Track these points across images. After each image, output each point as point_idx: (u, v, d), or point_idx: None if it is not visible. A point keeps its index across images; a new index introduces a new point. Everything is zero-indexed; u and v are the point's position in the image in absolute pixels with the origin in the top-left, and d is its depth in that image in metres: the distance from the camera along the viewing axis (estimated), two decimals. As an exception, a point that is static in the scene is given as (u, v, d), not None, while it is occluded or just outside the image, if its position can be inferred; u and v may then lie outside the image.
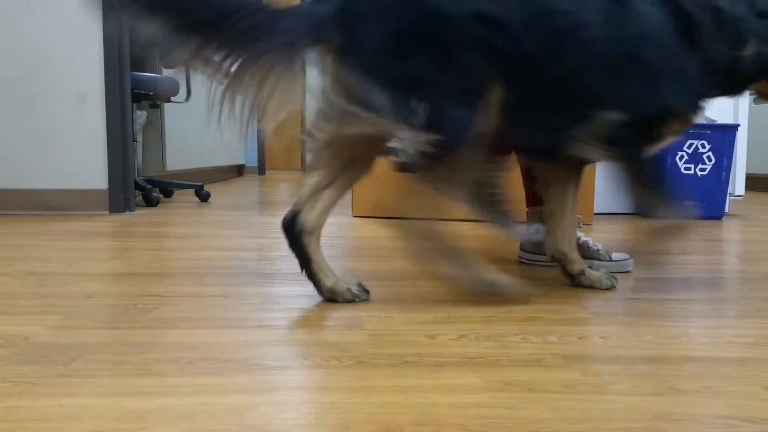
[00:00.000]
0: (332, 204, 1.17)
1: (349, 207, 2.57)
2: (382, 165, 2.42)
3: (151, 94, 3.03)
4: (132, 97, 2.74)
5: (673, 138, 1.21)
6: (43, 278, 1.34)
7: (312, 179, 1.16)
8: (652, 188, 1.21)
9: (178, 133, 3.96)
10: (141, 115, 3.35)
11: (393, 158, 1.22)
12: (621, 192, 1.24)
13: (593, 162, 1.39)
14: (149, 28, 0.99)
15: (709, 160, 2.69)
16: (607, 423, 0.68)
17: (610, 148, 1.17)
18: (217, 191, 3.95)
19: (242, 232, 2.11)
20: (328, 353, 0.89)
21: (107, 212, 2.55)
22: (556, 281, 1.36)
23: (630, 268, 1.48)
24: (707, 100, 1.23)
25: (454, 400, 0.73)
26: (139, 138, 3.45)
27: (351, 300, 1.16)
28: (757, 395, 0.76)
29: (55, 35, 2.49)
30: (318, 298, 1.19)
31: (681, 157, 2.67)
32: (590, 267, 1.36)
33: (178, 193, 3.64)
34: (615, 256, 1.49)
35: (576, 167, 1.32)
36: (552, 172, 1.33)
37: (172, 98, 3.21)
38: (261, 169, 6.49)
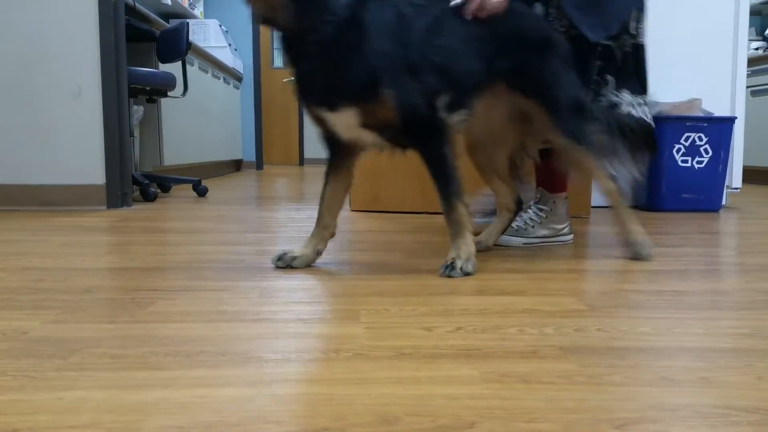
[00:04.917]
0: None
1: (346, 201, 2.57)
2: (379, 160, 2.42)
3: (148, 88, 3.02)
4: (129, 91, 2.73)
5: None
6: (40, 273, 1.34)
7: None
8: None
9: (176, 127, 3.95)
10: (138, 110, 3.35)
11: None
12: None
13: None
14: None
15: (706, 153, 2.69)
16: (602, 413, 0.68)
17: None
18: (214, 186, 3.95)
19: (240, 226, 2.11)
20: (325, 346, 0.89)
21: (105, 207, 2.55)
22: (554, 273, 1.37)
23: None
24: None
25: (450, 392, 0.73)
26: (136, 133, 3.45)
27: None
28: (751, 385, 0.77)
29: (51, 30, 2.48)
30: (315, 292, 1.20)
31: (678, 150, 2.67)
32: None
33: (175, 188, 3.64)
34: None
35: None
36: None
37: (169, 93, 3.20)
38: (259, 164, 6.49)
